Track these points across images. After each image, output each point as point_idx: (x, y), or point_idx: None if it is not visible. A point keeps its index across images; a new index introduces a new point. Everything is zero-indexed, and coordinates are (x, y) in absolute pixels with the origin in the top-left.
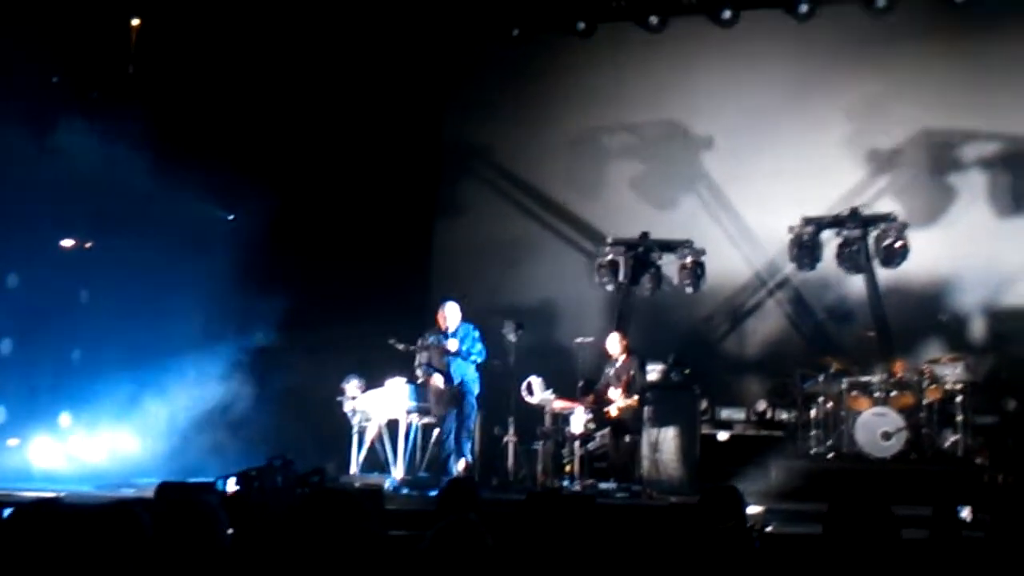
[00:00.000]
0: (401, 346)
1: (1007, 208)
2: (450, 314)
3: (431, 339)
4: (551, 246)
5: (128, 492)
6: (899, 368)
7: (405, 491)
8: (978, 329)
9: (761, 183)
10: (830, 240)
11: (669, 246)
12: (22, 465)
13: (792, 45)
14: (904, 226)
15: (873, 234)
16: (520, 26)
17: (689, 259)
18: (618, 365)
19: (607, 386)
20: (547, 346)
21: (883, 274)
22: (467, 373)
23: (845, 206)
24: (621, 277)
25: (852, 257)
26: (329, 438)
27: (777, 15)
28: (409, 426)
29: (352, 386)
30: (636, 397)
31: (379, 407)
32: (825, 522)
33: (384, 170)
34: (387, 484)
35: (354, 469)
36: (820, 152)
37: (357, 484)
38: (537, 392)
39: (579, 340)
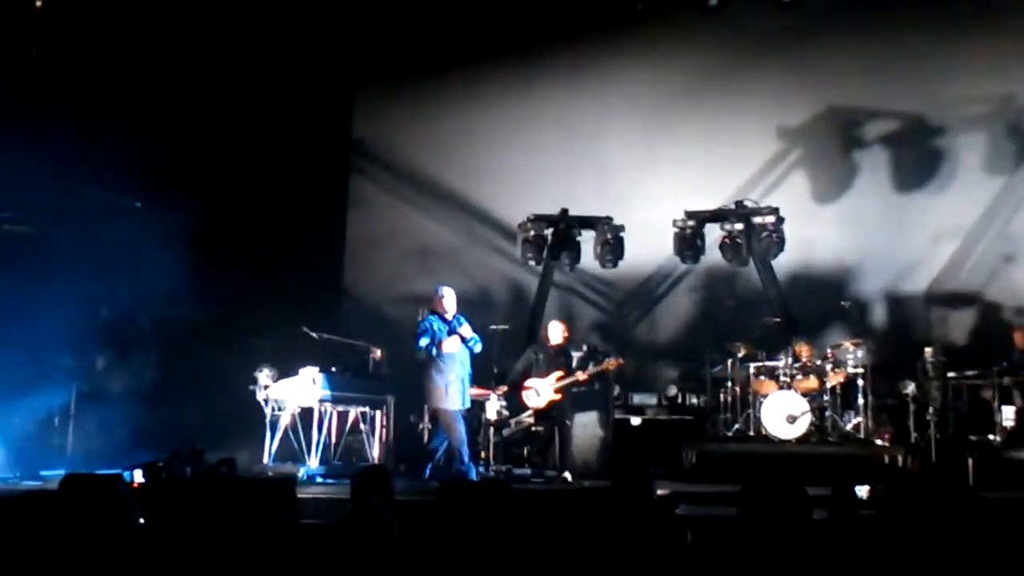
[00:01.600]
0: (315, 334)
1: (909, 185)
2: (449, 300)
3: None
4: (459, 235)
5: (32, 485)
6: (803, 353)
7: (319, 480)
8: (879, 314)
9: (668, 171)
10: (717, 232)
11: (589, 222)
12: None
13: (700, 36)
14: (780, 220)
15: (755, 227)
16: (422, 35)
17: (609, 235)
18: (552, 352)
19: (526, 373)
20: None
21: (787, 260)
22: (468, 361)
23: (752, 189)
24: (544, 253)
25: (735, 250)
26: (241, 427)
27: (686, 7)
28: (323, 414)
29: (264, 375)
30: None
31: (292, 396)
32: (740, 503)
33: (296, 164)
34: (301, 473)
35: (267, 459)
36: (728, 138)
37: (270, 473)
38: None
39: (493, 327)
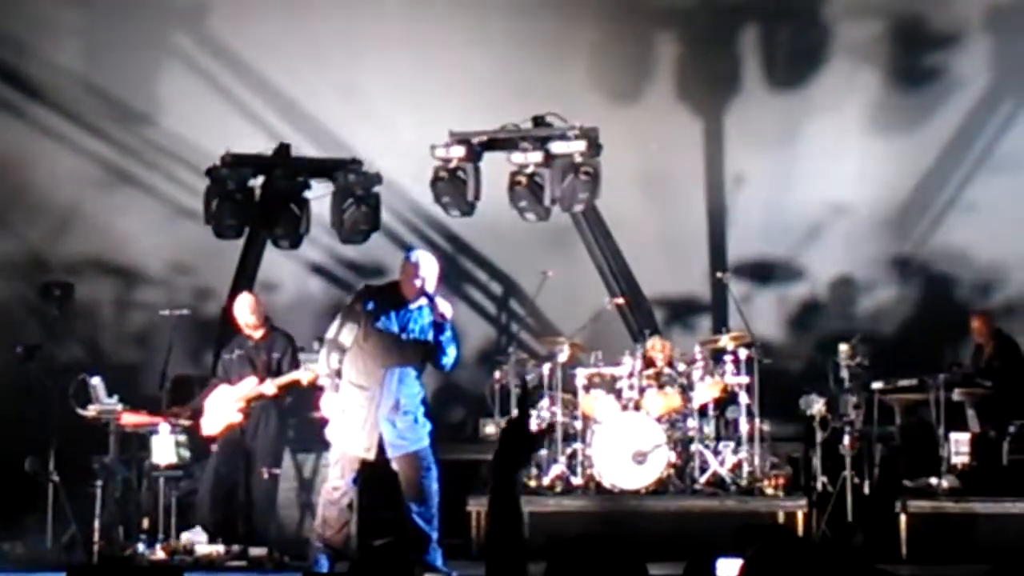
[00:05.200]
0: None
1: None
2: (426, 272)
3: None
4: (112, 173)
5: None
6: (659, 353)
7: None
8: (772, 295)
9: (451, 83)
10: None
11: (323, 168)
12: None
13: None
14: (596, 149)
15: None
16: None
17: (357, 190)
18: (250, 345)
19: (223, 382)
20: (112, 324)
21: (633, 206)
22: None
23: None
24: (248, 219)
25: (531, 194)
26: None
27: None
28: None
29: None
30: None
31: None
32: None
33: None
34: None
35: None
36: (556, 19)
37: None
38: (96, 399)
39: (165, 312)
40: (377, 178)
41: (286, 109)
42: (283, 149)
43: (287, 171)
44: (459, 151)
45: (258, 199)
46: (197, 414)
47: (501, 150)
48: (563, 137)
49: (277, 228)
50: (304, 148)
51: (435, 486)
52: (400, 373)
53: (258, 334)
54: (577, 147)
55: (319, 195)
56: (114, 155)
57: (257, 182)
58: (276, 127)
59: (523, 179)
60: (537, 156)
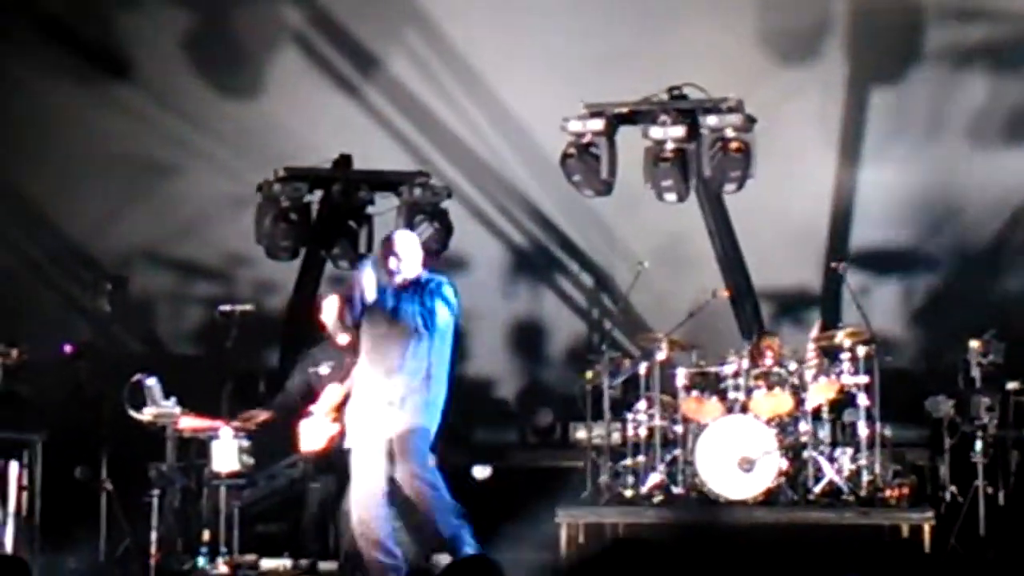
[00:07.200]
0: None
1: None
2: (403, 248)
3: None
4: (186, 165)
5: None
6: (769, 351)
7: None
8: (898, 287)
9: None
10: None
11: (387, 182)
12: None
13: None
14: (750, 122)
15: (702, 135)
16: None
17: (425, 205)
18: (336, 353)
19: (307, 390)
20: (169, 320)
21: (743, 196)
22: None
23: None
24: (308, 238)
25: (676, 173)
26: None
27: None
28: None
29: None
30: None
31: None
32: None
33: None
34: None
35: None
36: None
37: None
38: (152, 402)
39: (226, 308)
40: (447, 192)
41: (386, 84)
42: (343, 160)
43: (347, 185)
44: (596, 124)
45: (315, 216)
46: (283, 418)
47: (639, 123)
48: (714, 109)
49: (335, 248)
50: (397, 122)
51: (434, 494)
52: (387, 355)
53: (345, 340)
54: (731, 120)
55: (383, 211)
56: (190, 134)
57: (314, 198)
58: (373, 100)
59: (669, 155)
60: (678, 130)
